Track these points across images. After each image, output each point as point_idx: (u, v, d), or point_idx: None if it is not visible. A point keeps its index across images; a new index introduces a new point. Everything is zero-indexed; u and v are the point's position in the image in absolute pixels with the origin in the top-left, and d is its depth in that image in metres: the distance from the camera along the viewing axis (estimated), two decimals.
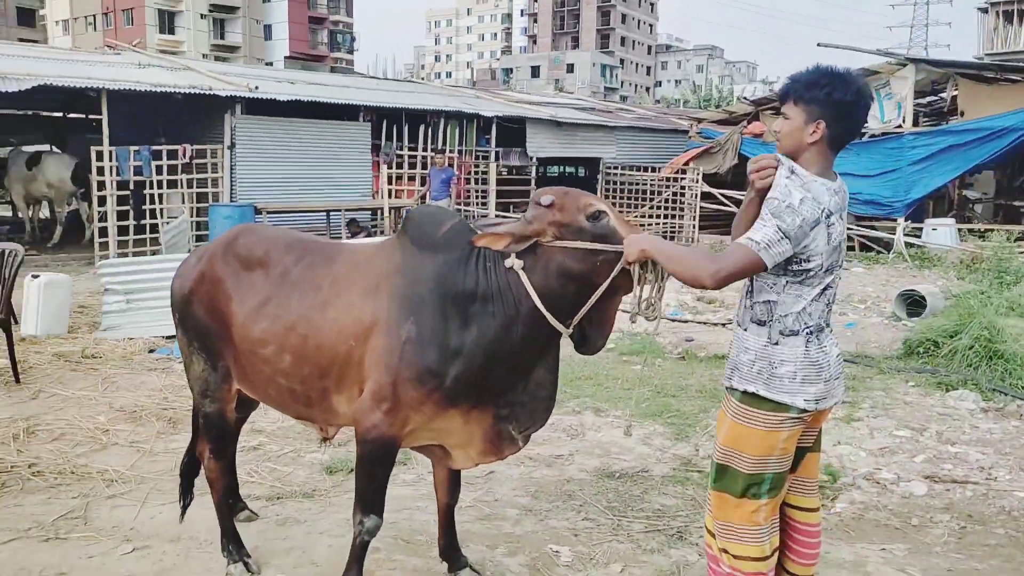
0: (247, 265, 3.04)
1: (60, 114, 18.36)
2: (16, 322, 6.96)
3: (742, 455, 2.48)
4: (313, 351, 2.82)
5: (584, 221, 2.59)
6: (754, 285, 2.49)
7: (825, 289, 2.44)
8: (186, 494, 3.49)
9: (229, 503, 3.45)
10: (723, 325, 8.29)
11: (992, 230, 12.51)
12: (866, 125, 13.96)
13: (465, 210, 16.11)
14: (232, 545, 3.27)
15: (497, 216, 16.22)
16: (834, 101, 2.36)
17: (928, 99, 16.86)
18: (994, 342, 6.27)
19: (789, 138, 2.47)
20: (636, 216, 17.69)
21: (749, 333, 2.49)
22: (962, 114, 14.78)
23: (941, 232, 14.32)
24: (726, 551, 2.53)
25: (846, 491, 4.24)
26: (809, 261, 2.36)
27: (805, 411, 2.43)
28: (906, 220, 14.31)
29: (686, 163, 17.50)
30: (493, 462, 3.04)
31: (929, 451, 4.83)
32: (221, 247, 3.14)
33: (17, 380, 5.76)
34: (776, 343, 2.43)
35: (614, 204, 18.02)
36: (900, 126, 14.81)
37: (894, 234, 14.17)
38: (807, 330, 2.43)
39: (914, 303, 8.72)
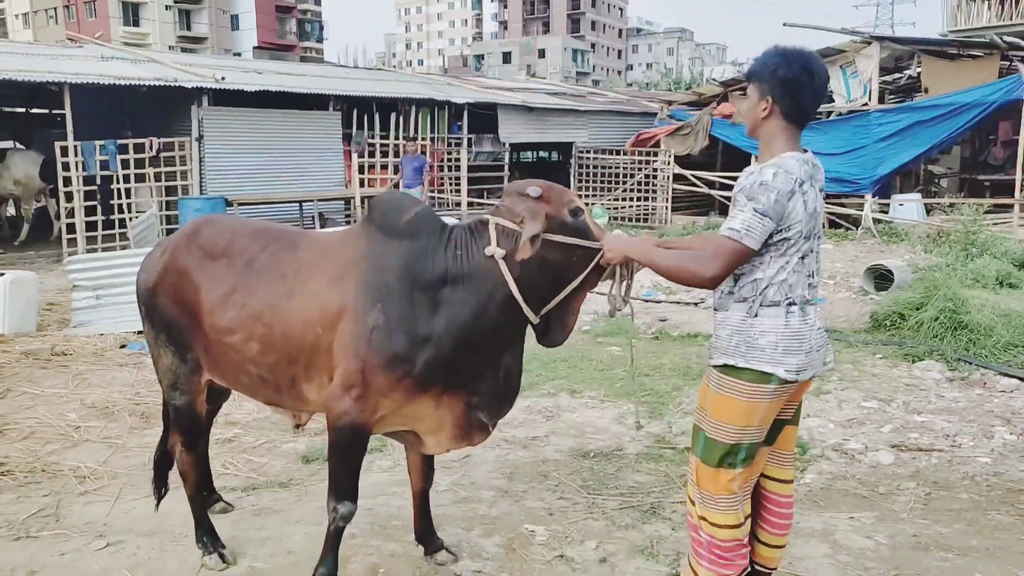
0: (211, 255, 3.03)
1: (23, 110, 18.00)
2: None
3: (722, 425, 2.54)
4: (280, 339, 2.82)
5: (567, 216, 2.67)
6: (743, 268, 2.51)
7: (804, 257, 2.49)
8: (160, 485, 3.48)
9: (203, 495, 3.45)
10: (695, 304, 8.37)
11: (958, 204, 12.70)
12: (832, 104, 14.10)
13: (439, 197, 16.06)
14: (207, 537, 3.27)
15: (470, 202, 16.20)
16: (779, 78, 2.45)
17: (893, 76, 17.04)
18: (959, 313, 6.40)
19: (747, 116, 2.63)
20: (610, 199, 17.75)
21: (731, 312, 2.54)
22: (926, 91, 14.97)
23: (908, 207, 14.52)
24: (705, 519, 2.59)
25: (815, 462, 4.32)
26: (789, 230, 2.43)
27: (786, 382, 2.48)
28: (873, 196, 14.49)
29: (656, 143, 17.56)
30: (463, 448, 3.07)
31: (896, 421, 4.94)
32: (184, 238, 3.12)
33: None
34: (756, 315, 2.48)
35: (588, 188, 18.09)
36: (866, 104, 14.97)
37: (862, 211, 14.35)
38: (788, 301, 2.48)
39: (882, 277, 8.85)
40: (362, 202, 14.14)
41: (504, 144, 17.46)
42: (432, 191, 15.42)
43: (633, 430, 4.81)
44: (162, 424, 3.54)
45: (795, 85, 2.45)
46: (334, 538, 2.90)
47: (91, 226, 11.99)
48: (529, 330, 2.85)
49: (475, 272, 2.71)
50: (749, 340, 2.48)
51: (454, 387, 2.79)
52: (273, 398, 3.02)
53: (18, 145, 16.92)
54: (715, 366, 2.56)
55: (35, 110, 17.95)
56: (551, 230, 2.64)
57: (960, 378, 5.74)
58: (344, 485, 2.84)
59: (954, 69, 14.75)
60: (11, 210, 15.23)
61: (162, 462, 3.47)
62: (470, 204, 16.25)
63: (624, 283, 2.72)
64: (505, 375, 2.86)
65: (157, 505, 3.48)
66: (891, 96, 16.89)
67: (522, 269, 2.66)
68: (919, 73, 15.67)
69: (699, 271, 2.42)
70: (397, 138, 15.42)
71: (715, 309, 2.62)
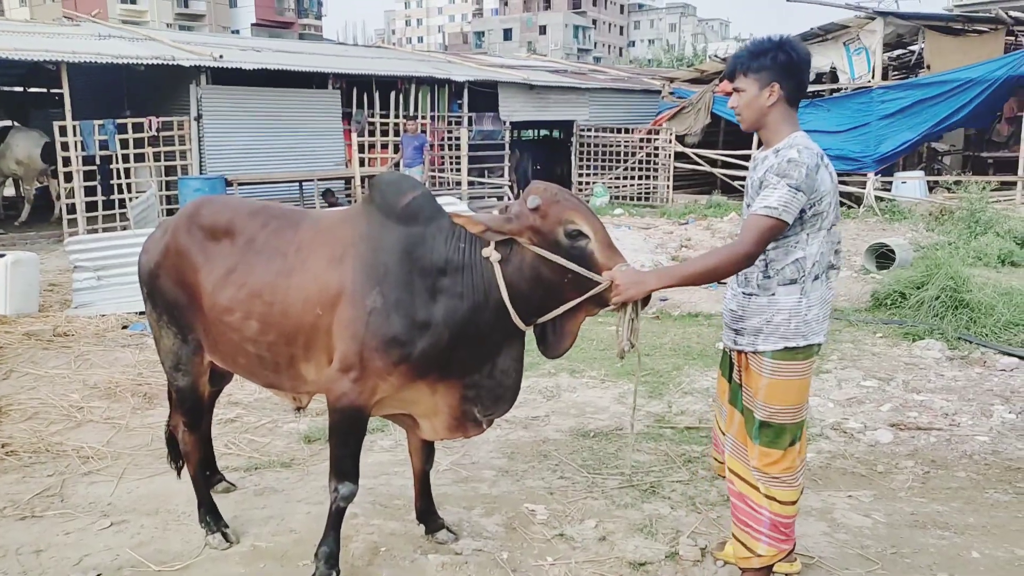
0: (212, 235, 3.03)
1: (20, 89, 17.89)
2: None
3: (787, 408, 2.61)
4: (279, 317, 2.83)
5: (561, 236, 2.57)
6: (776, 251, 2.57)
7: (831, 228, 2.59)
8: (177, 458, 3.50)
9: (206, 475, 3.48)
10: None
11: (963, 181, 12.64)
12: (836, 81, 13.97)
13: (439, 176, 16.00)
14: (210, 516, 3.29)
15: (471, 181, 16.15)
16: (781, 62, 2.54)
17: (897, 52, 16.90)
18: (960, 291, 6.40)
19: (748, 108, 2.62)
20: (611, 177, 17.69)
21: (778, 296, 2.58)
22: (928, 67, 14.84)
23: (910, 185, 14.47)
24: (774, 498, 2.65)
25: (814, 441, 4.34)
26: (821, 202, 2.52)
27: (820, 346, 2.63)
28: (876, 175, 14.42)
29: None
30: (457, 439, 3.08)
31: (895, 400, 4.95)
32: (185, 219, 3.12)
33: None
34: (806, 294, 2.58)
35: (589, 166, 17.99)
36: (869, 81, 14.86)
37: (864, 188, 14.29)
38: (824, 272, 2.60)
39: (883, 256, 8.84)
40: (362, 181, 14.10)
41: (504, 123, 17.36)
42: (432, 170, 15.36)
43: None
44: (167, 404, 3.56)
45: (796, 66, 2.56)
46: (336, 518, 2.92)
47: (91, 206, 11.97)
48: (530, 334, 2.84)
49: (475, 267, 2.70)
50: (805, 319, 2.57)
51: (450, 376, 2.79)
52: (271, 379, 3.02)
53: (15, 124, 16.85)
54: (768, 352, 2.60)
55: (32, 89, 17.84)
56: (541, 244, 2.58)
57: (960, 357, 5.75)
58: (345, 465, 2.86)
59: (959, 45, 14.62)
60: (10, 191, 15.20)
61: (172, 437, 3.49)
62: (470, 183, 16.19)
63: (630, 323, 2.57)
64: (502, 374, 2.84)
65: (179, 474, 3.51)
66: (894, 73, 16.76)
67: (516, 275, 2.63)
68: (923, 49, 15.53)
69: (735, 251, 2.47)
70: (397, 117, 15.34)
71: (754, 292, 2.63)
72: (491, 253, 2.65)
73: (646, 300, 2.57)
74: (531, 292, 2.64)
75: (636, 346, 2.60)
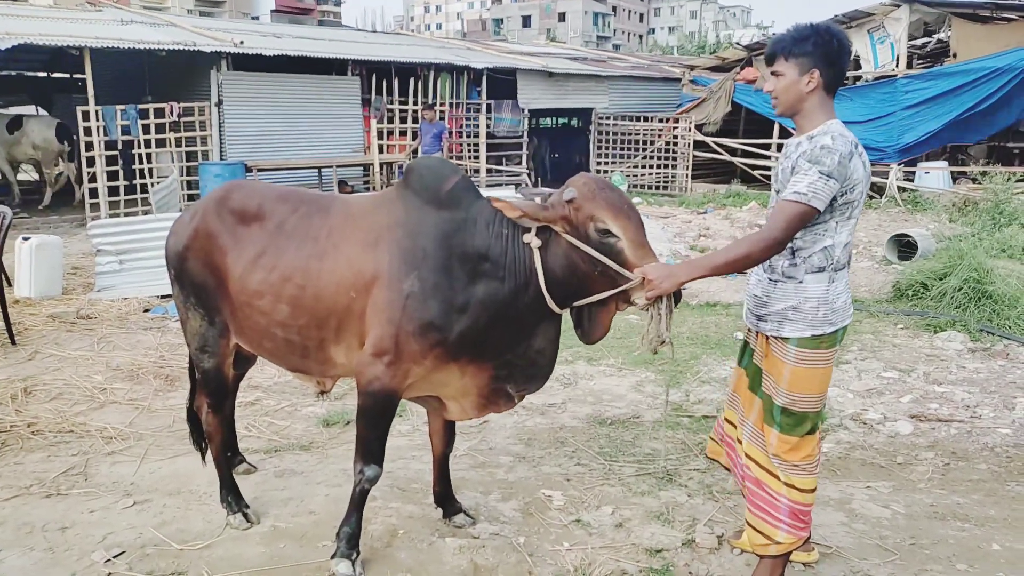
0: (242, 219, 3.05)
1: (44, 74, 18.06)
2: (9, 284, 6.98)
3: (809, 396, 2.62)
4: (311, 301, 2.85)
5: (592, 232, 2.59)
6: (804, 239, 2.56)
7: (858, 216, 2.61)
8: (200, 439, 3.52)
9: (227, 456, 3.52)
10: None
11: (988, 172, 12.45)
12: (860, 69, 13.80)
13: (458, 164, 15.98)
14: (231, 496, 3.34)
15: (489, 169, 16.13)
16: (823, 48, 2.53)
17: (922, 41, 16.63)
18: (983, 283, 6.33)
19: (787, 92, 2.60)
20: (629, 165, 17.60)
21: (807, 284, 2.57)
22: (954, 56, 14.59)
23: (934, 175, 14.26)
24: (793, 486, 2.65)
25: (833, 431, 4.32)
26: (852, 191, 2.50)
27: (844, 330, 2.64)
28: (899, 164, 14.24)
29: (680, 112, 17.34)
30: (487, 415, 3.10)
31: (916, 391, 4.91)
32: (214, 203, 3.15)
33: (13, 342, 5.79)
34: (834, 281, 2.58)
35: (608, 154, 17.90)
36: (894, 70, 14.66)
37: (886, 179, 14.13)
38: (848, 258, 2.62)
39: (906, 246, 8.75)
40: (381, 168, 14.11)
41: (523, 110, 17.31)
42: (451, 157, 15.35)
43: (651, 398, 4.83)
44: (188, 386, 3.60)
45: (838, 54, 2.55)
46: (359, 499, 2.95)
47: (113, 191, 12.08)
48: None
49: (516, 254, 2.71)
50: (833, 307, 2.57)
51: (482, 358, 2.81)
52: (299, 363, 3.04)
53: (41, 111, 17.01)
54: (794, 339, 2.59)
55: (56, 75, 17.99)
56: (574, 235, 2.60)
57: (982, 349, 5.69)
58: (371, 448, 2.88)
59: (987, 33, 14.34)
60: (24, 175, 15.37)
61: (194, 418, 3.52)
62: (489, 171, 16.17)
63: (663, 318, 2.54)
64: (538, 354, 2.86)
65: (203, 457, 3.53)
66: (919, 62, 16.50)
67: (553, 262, 2.66)
68: (949, 37, 15.27)
69: (764, 238, 2.45)
70: (416, 103, 15.34)
71: (780, 279, 2.62)
72: (532, 239, 2.67)
73: (678, 294, 2.56)
74: (566, 279, 2.67)
75: (668, 341, 2.58)
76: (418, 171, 2.89)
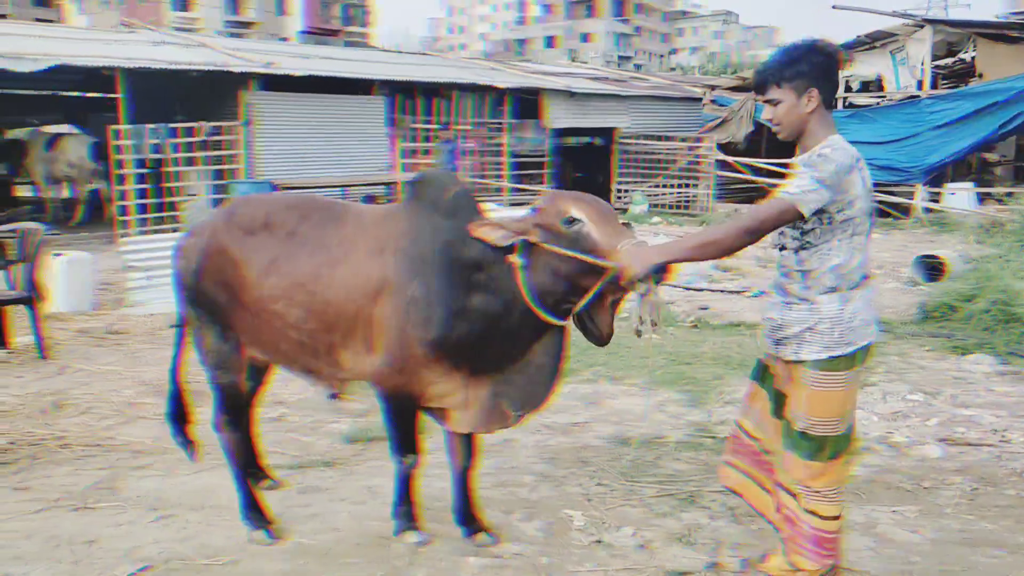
0: (251, 231, 3.13)
1: (78, 94, 18.45)
2: (43, 300, 7.11)
3: (827, 420, 2.57)
4: (321, 306, 2.96)
5: (560, 226, 2.70)
6: (812, 259, 2.52)
7: (866, 235, 2.56)
8: (185, 442, 3.59)
9: (251, 472, 3.55)
10: (738, 293, 8.29)
11: (1015, 193, 12.30)
12: (884, 91, 13.62)
13: (481, 183, 16.08)
14: (254, 513, 3.37)
15: (512, 187, 16.20)
16: (817, 65, 2.51)
17: (946, 61, 16.52)
18: (1011, 305, 6.25)
19: (788, 117, 2.57)
20: (650, 185, 17.58)
21: (821, 304, 2.53)
22: (980, 76, 14.47)
23: (960, 196, 14.11)
24: (815, 513, 2.61)
25: (858, 455, 4.27)
26: (852, 206, 2.46)
27: (866, 350, 2.58)
28: (924, 185, 14.11)
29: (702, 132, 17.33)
30: (484, 433, 3.17)
31: (943, 414, 4.85)
32: (222, 220, 3.23)
33: (43, 356, 5.90)
34: (849, 301, 2.53)
35: (630, 174, 17.90)
36: (918, 92, 14.56)
37: (911, 198, 14.00)
38: (862, 277, 2.56)
39: (934, 268, 8.65)
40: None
41: (546, 130, 17.39)
42: (474, 176, 15.45)
43: (674, 418, 4.81)
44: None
45: (832, 67, 2.54)
46: (405, 481, 3.20)
47: (144, 208, 12.29)
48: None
49: (506, 268, 2.80)
50: (850, 326, 2.52)
51: (484, 370, 2.91)
52: (311, 364, 3.14)
53: (73, 129, 17.37)
54: (811, 361, 2.55)
55: (90, 94, 18.38)
56: (548, 240, 2.70)
57: (1012, 372, 5.60)
58: (404, 442, 3.11)
59: (1013, 53, 14.24)
60: (66, 192, 15.67)
61: (175, 418, 3.59)
62: (512, 190, 16.24)
63: (647, 301, 2.53)
64: (537, 371, 2.92)
65: (191, 456, 3.60)
66: (944, 82, 16.38)
67: (538, 275, 2.74)
68: (973, 58, 15.16)
69: (739, 226, 2.44)
70: (440, 123, 15.49)
71: (794, 301, 2.59)
72: (515, 260, 2.76)
73: (662, 276, 2.50)
74: (553, 285, 2.74)
75: (657, 324, 2.55)
76: (422, 182, 3.06)
